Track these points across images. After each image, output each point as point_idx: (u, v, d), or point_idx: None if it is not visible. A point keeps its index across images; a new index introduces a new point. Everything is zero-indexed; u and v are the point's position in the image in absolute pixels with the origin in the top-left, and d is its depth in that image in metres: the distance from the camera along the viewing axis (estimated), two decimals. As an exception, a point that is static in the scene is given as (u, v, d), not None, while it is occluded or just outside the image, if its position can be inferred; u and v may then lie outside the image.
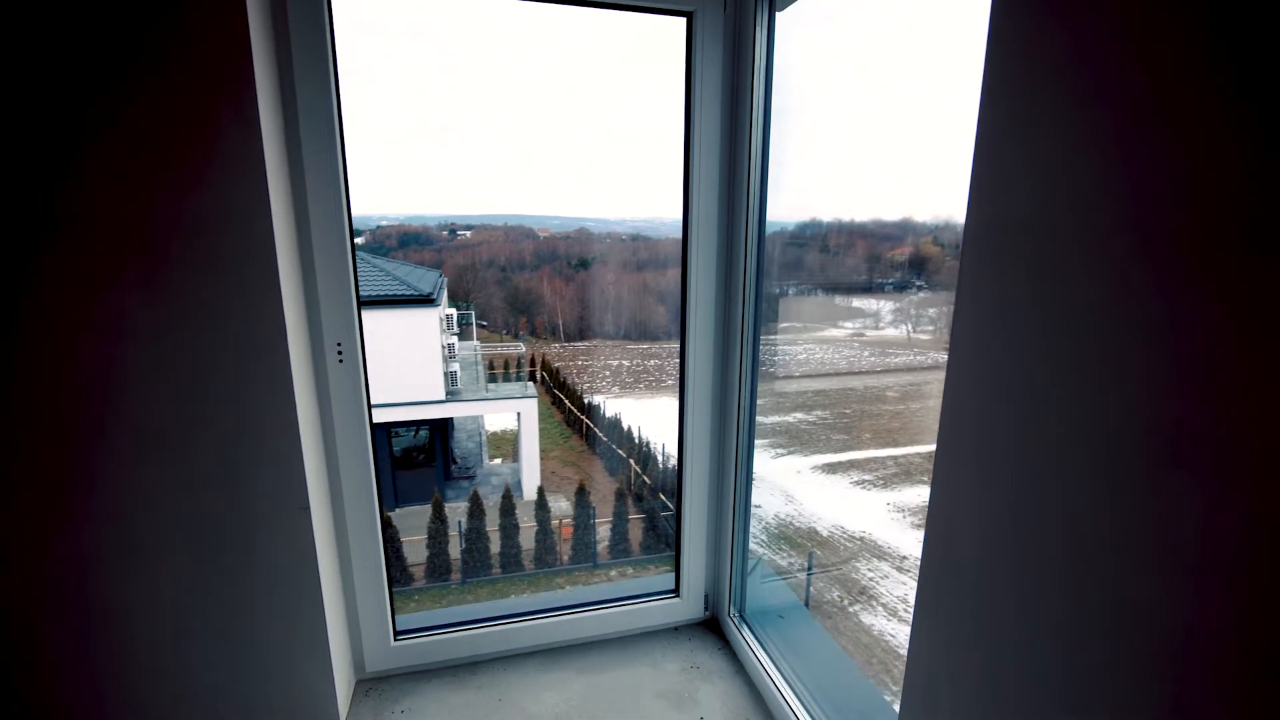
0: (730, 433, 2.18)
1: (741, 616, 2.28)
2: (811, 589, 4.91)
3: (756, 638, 2.16)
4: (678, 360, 2.21)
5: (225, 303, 1.53)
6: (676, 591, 2.35)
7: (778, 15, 1.90)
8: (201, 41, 1.39)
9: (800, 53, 1.95)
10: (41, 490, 1.55)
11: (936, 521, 1.13)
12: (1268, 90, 0.62)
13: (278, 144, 1.59)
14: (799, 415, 5.73)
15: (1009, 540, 0.97)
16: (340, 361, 1.83)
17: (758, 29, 1.90)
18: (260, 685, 1.78)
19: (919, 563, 1.17)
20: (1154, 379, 0.73)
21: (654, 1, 1.90)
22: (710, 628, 2.36)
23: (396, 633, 2.09)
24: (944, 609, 1.13)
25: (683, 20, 1.95)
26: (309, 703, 1.82)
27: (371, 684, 2.05)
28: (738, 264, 2.05)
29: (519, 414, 8.20)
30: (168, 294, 1.50)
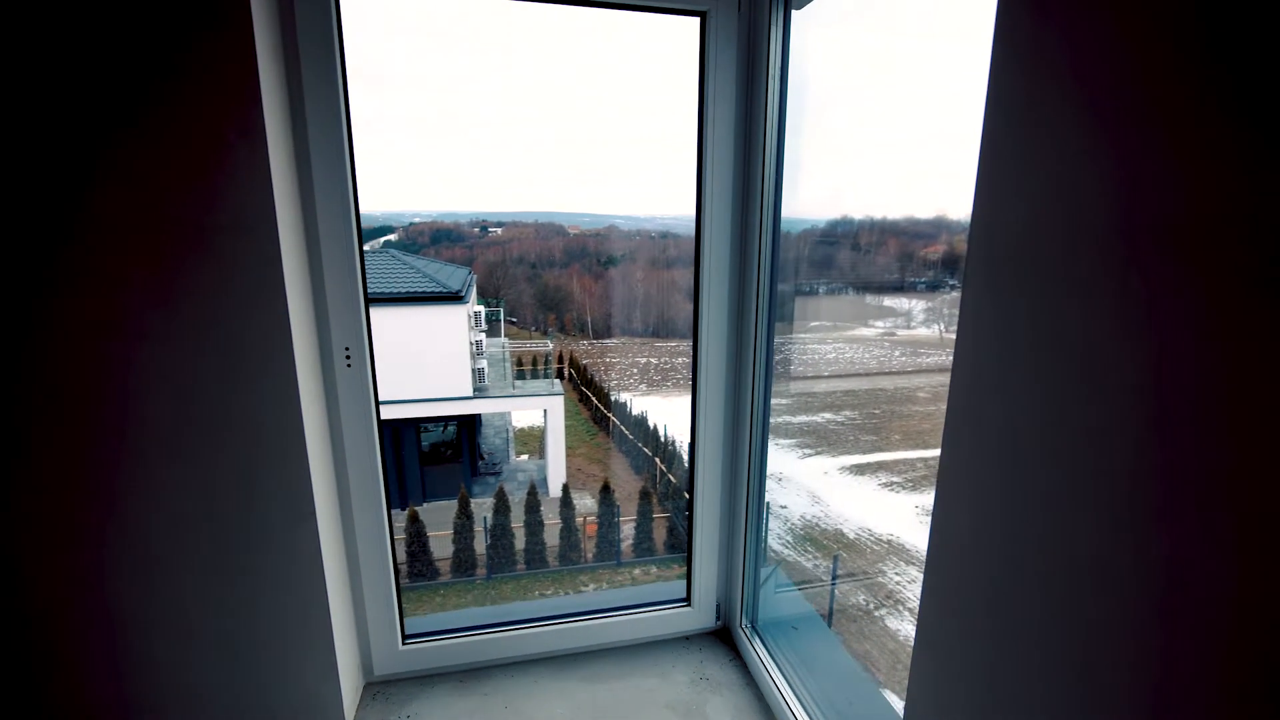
0: (744, 440, 2.14)
1: (754, 627, 2.24)
2: (836, 591, 4.84)
3: (768, 649, 2.13)
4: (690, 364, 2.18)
5: (231, 309, 1.54)
6: (688, 600, 2.32)
7: (794, 14, 1.85)
8: (209, 59, 1.40)
9: (820, 51, 1.91)
10: (59, 493, 1.57)
11: (939, 532, 1.11)
12: (1265, 94, 0.60)
13: (286, 156, 1.59)
14: (827, 415, 5.67)
15: (1007, 550, 0.95)
16: (349, 366, 1.83)
17: (773, 28, 1.85)
18: (267, 688, 1.79)
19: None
20: (1149, 384, 0.72)
21: (667, 1, 1.87)
22: (721, 638, 2.32)
23: (405, 637, 2.09)
24: (945, 619, 1.11)
25: (696, 20, 1.91)
26: (315, 706, 1.83)
27: (379, 687, 2.06)
28: (751, 265, 2.01)
29: (545, 411, 8.23)
30: (177, 299, 1.51)
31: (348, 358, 1.82)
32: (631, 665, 2.17)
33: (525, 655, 2.18)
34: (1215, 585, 0.66)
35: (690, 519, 2.26)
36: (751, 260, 2.01)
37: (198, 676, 1.75)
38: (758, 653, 2.12)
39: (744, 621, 2.25)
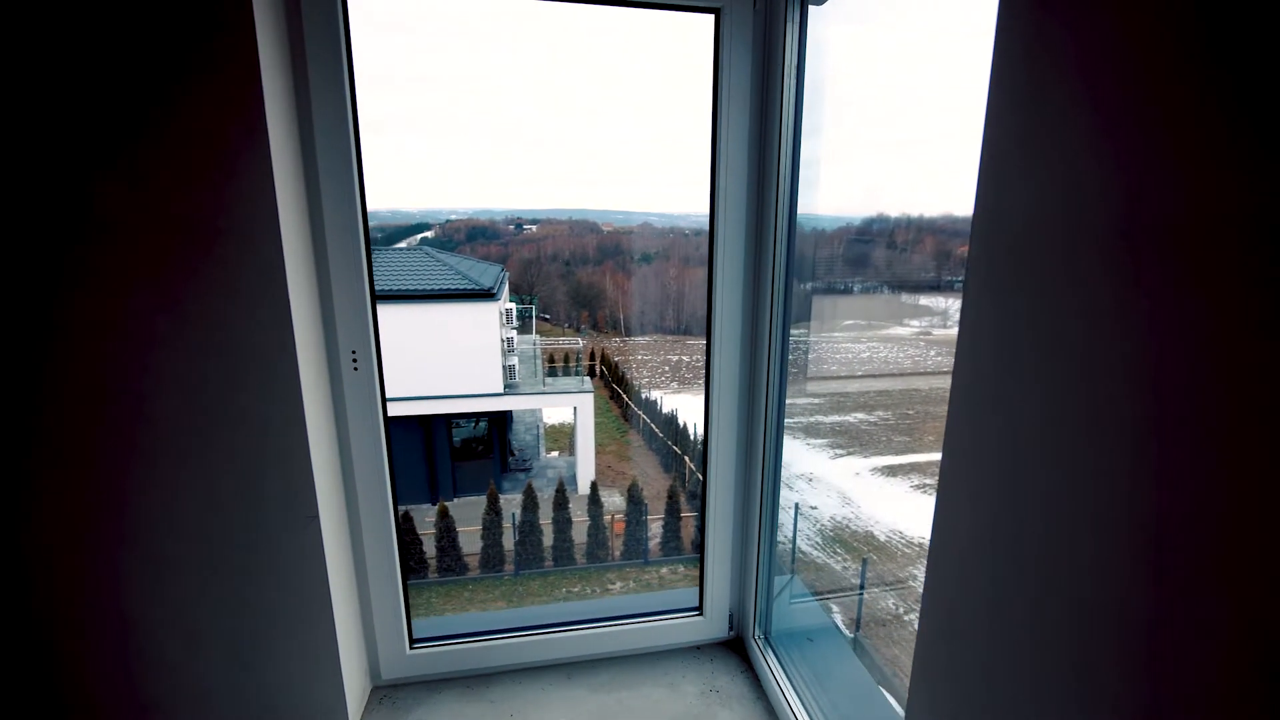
0: (758, 446, 2.08)
1: (767, 638, 2.19)
2: (865, 595, 4.76)
3: (780, 662, 2.07)
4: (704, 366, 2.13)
5: (236, 312, 1.54)
6: (700, 609, 2.27)
7: (812, 10, 1.80)
8: (211, 59, 1.40)
9: (842, 47, 1.85)
10: (68, 494, 1.60)
11: (940, 534, 1.10)
12: (1265, 94, 0.57)
13: (291, 159, 1.59)
14: (860, 415, 5.57)
15: (1007, 550, 0.93)
16: (355, 369, 1.83)
17: (789, 25, 1.79)
18: (273, 690, 1.80)
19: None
20: (1149, 385, 0.70)
21: (679, -2, 1.82)
22: (734, 648, 2.27)
23: (413, 641, 2.09)
24: (946, 620, 1.09)
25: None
26: (320, 709, 1.83)
27: (386, 691, 2.06)
28: (766, 263, 1.95)
29: (575, 408, 8.23)
30: (182, 301, 1.52)
31: (354, 361, 1.82)
32: (641, 675, 2.13)
33: (534, 662, 2.16)
34: (1214, 586, 0.65)
35: (703, 526, 2.22)
36: (766, 259, 1.95)
37: (205, 677, 1.77)
38: (770, 665, 2.07)
39: (757, 632, 2.20)
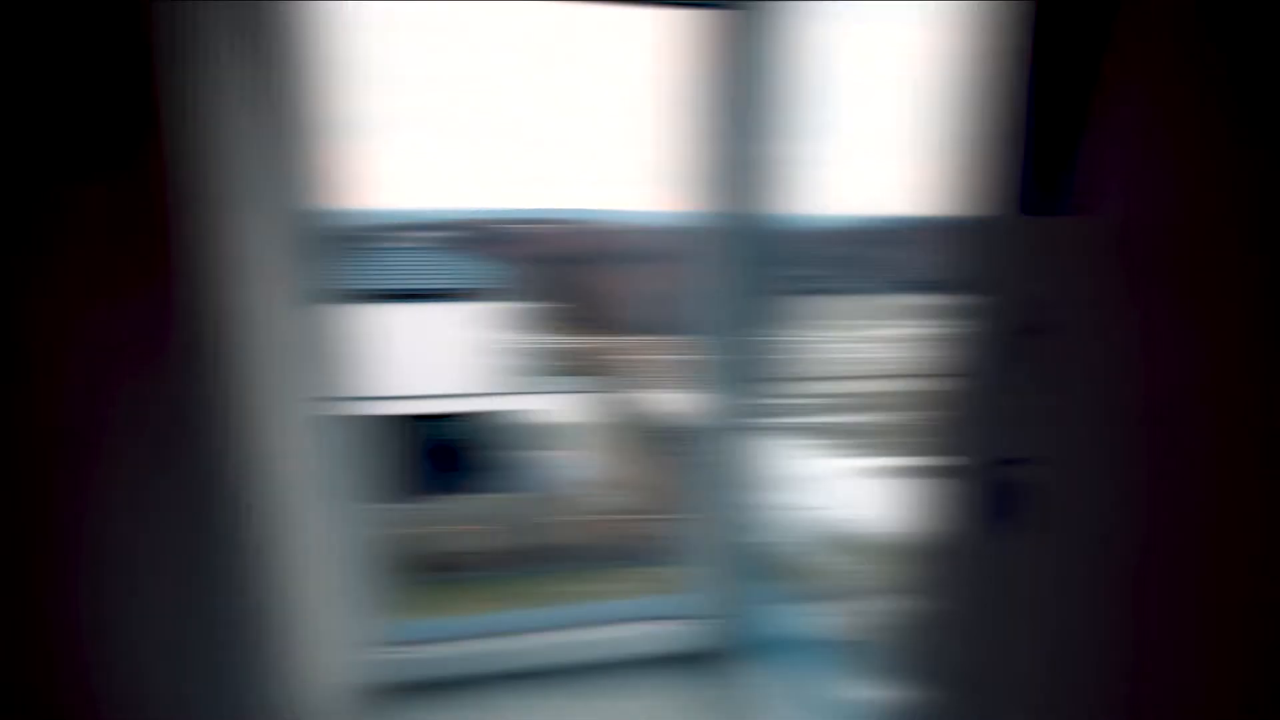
0: (744, 452, 2.04)
1: (754, 648, 2.16)
2: (866, 598, 4.74)
3: (769, 672, 2.05)
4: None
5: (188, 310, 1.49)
6: (688, 617, 2.24)
7: (810, 7, 1.78)
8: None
9: (841, 44, 1.85)
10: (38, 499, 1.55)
11: (925, 534, 1.08)
12: (1265, 93, 0.55)
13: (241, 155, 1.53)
14: (867, 416, 5.58)
15: (995, 550, 0.92)
16: (334, 369, 1.80)
17: (783, 23, 1.78)
18: (236, 694, 1.76)
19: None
20: (1144, 385, 0.69)
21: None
22: (720, 658, 2.22)
23: (385, 645, 2.06)
24: (930, 619, 1.09)
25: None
26: (286, 714, 1.79)
27: (356, 697, 2.01)
28: (757, 263, 1.94)
29: (578, 408, 8.25)
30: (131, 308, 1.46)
31: (333, 360, 1.79)
32: (623, 684, 2.09)
33: (512, 668, 2.12)
34: (1209, 588, 0.64)
35: (687, 532, 2.18)
36: (757, 257, 1.94)
37: (173, 684, 1.73)
38: (757, 676, 2.04)
39: (743, 642, 2.17)
